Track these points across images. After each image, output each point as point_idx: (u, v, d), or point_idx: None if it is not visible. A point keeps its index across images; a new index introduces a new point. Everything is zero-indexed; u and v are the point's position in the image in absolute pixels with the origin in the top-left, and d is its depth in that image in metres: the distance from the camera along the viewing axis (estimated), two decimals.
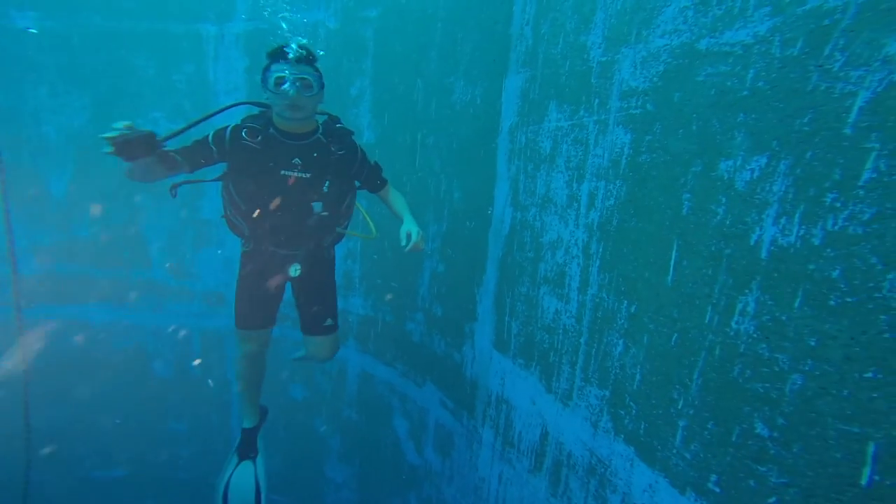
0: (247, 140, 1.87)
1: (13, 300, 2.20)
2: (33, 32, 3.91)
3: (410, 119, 2.95)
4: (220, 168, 2.00)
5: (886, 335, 0.81)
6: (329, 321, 2.22)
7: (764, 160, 1.03)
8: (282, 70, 1.79)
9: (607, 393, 1.61)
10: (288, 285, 2.19)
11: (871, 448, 0.84)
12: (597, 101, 1.67)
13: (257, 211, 1.91)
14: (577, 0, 1.82)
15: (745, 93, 1.11)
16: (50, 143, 4.15)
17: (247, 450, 2.32)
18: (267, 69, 1.83)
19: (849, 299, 0.86)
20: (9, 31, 3.99)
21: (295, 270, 2.04)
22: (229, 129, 1.91)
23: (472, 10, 2.57)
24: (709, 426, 1.22)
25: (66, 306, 4.26)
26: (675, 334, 1.32)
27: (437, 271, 2.83)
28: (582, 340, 1.73)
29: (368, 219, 2.35)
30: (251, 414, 2.33)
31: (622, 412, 1.54)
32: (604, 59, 1.65)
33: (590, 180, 1.65)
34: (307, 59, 1.84)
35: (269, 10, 3.94)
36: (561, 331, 1.83)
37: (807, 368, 0.96)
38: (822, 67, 0.92)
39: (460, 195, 2.52)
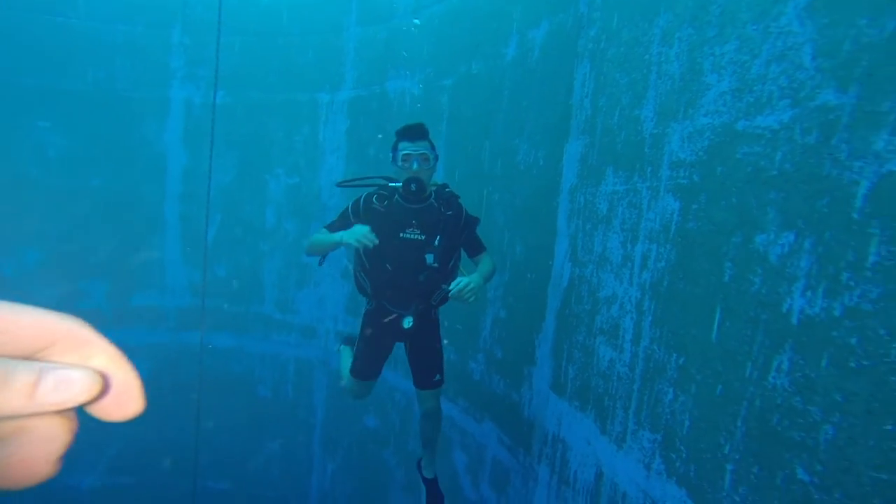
0: (376, 205, 2.27)
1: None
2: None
3: (478, 176, 3.27)
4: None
5: None
6: (437, 377, 2.50)
7: (792, 237, 1.20)
8: (409, 148, 2.20)
9: (659, 437, 1.73)
10: (401, 346, 2.51)
11: None
12: (649, 169, 1.88)
13: (381, 268, 2.27)
14: (632, 78, 2.07)
15: (774, 172, 1.29)
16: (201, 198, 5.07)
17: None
18: (395, 146, 2.26)
19: (865, 362, 1.00)
20: (205, 106, 4.88)
21: (408, 322, 2.33)
22: (363, 198, 2.33)
23: (536, 81, 2.89)
24: (754, 470, 1.33)
25: (198, 332, 4.99)
26: (720, 385, 1.45)
27: (498, 317, 3.05)
28: (635, 387, 1.87)
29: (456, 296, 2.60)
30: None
31: (673, 455, 1.65)
32: (655, 131, 1.87)
33: (643, 242, 1.85)
34: (426, 136, 2.25)
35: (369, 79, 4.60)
36: (615, 378, 1.98)
37: (836, 420, 1.09)
38: (833, 156, 1.10)
39: (522, 249, 2.76)
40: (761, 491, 1.29)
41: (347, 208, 2.34)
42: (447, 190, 2.35)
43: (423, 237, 2.25)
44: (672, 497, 1.65)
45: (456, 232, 2.31)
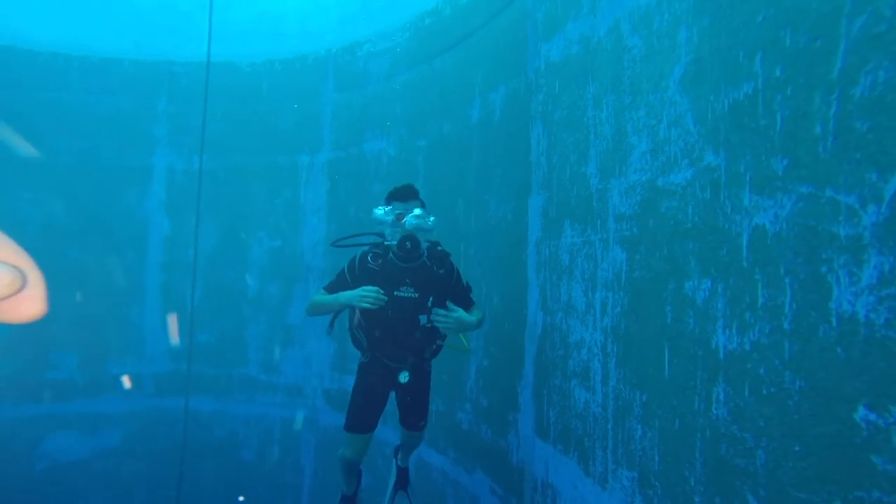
0: (371, 264, 2.40)
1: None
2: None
3: (454, 232, 3.51)
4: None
5: (795, 416, 1.13)
6: (423, 422, 2.65)
7: (709, 283, 1.42)
8: (401, 207, 2.37)
9: (636, 474, 1.88)
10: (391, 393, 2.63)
11: None
12: (598, 221, 2.12)
13: (377, 324, 2.40)
14: (576, 138, 2.35)
15: (689, 225, 1.53)
16: (187, 265, 5.22)
17: None
18: (388, 205, 2.43)
19: (772, 389, 1.19)
20: (187, 172, 5.09)
21: (404, 377, 2.44)
22: (357, 258, 2.46)
23: (500, 140, 3.19)
24: (717, 501, 1.49)
25: (180, 398, 5.04)
26: (677, 419, 1.63)
27: (482, 365, 3.21)
28: (609, 427, 2.04)
29: (462, 336, 2.76)
30: (347, 484, 2.76)
31: (650, 492, 1.80)
32: (600, 186, 2.13)
33: (601, 290, 2.06)
34: (416, 196, 2.45)
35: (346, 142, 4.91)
36: (591, 418, 2.14)
37: (764, 445, 1.27)
38: (723, 210, 1.35)
39: (498, 299, 2.97)
40: None
41: (344, 269, 2.47)
42: (439, 248, 2.49)
43: (417, 295, 2.38)
44: None
45: (447, 290, 2.44)
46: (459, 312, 2.36)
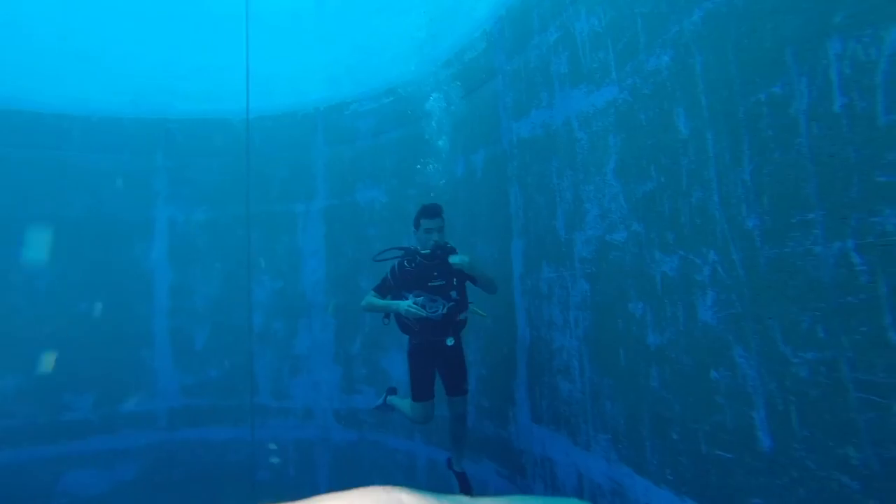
0: (407, 267, 3.30)
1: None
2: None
3: None
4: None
5: (688, 381, 2.05)
6: (466, 384, 3.49)
7: (641, 304, 2.34)
8: (429, 223, 3.26)
9: (609, 436, 2.77)
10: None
11: (705, 428, 2.03)
12: (567, 262, 3.04)
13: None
14: (546, 199, 3.27)
15: (628, 268, 2.46)
16: (196, 309, 5.67)
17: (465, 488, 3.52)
18: (418, 221, 3.33)
19: (676, 366, 2.11)
20: (188, 223, 5.67)
21: (450, 341, 3.30)
22: (396, 265, 3.36)
23: (483, 194, 4.09)
24: (656, 442, 2.39)
25: (198, 428, 5.51)
26: (631, 393, 2.53)
27: (481, 374, 4.06)
28: (588, 406, 2.92)
29: (479, 309, 3.58)
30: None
31: (620, 446, 2.68)
32: (567, 237, 3.05)
33: (573, 311, 2.97)
34: (440, 214, 3.31)
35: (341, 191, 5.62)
36: (574, 402, 3.03)
37: (679, 400, 2.18)
38: (646, 258, 2.27)
39: (492, 321, 3.83)
40: (665, 454, 2.34)
41: (387, 275, 3.36)
42: (450, 247, 3.37)
43: (444, 282, 3.28)
44: (624, 474, 2.67)
45: (460, 273, 3.32)
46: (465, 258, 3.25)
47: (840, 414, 1.27)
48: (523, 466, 3.56)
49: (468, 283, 3.40)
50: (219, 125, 5.85)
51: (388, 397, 3.86)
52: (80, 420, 5.35)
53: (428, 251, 3.27)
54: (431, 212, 3.34)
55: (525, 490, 3.54)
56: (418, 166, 4.86)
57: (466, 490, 3.47)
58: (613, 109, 2.63)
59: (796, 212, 1.43)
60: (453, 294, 3.31)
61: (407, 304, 3.17)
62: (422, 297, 3.23)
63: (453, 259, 3.22)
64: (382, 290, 3.36)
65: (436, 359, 3.39)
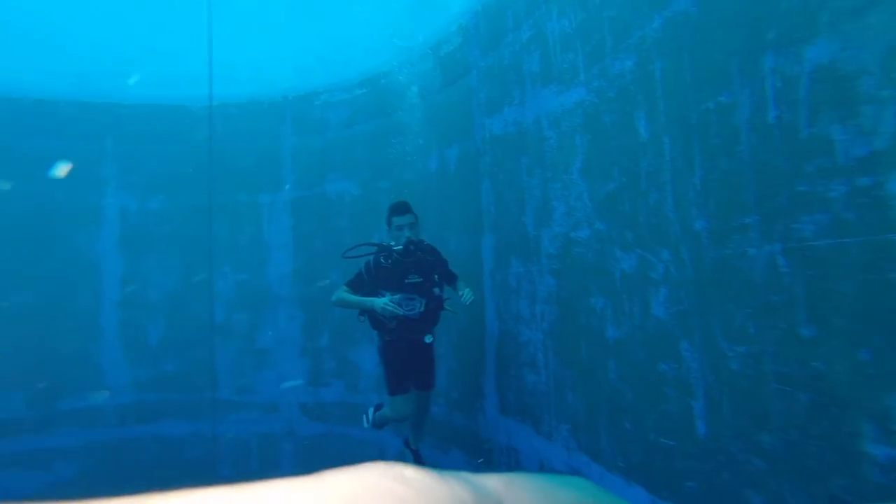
0: (383, 263, 3.31)
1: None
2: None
3: None
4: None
5: (641, 371, 2.18)
6: (434, 379, 3.58)
7: (602, 300, 2.46)
8: (400, 220, 3.29)
9: (570, 426, 2.90)
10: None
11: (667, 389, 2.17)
12: (535, 257, 3.15)
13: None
14: (515, 196, 3.37)
15: (590, 265, 2.57)
16: (152, 301, 5.55)
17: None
18: (389, 218, 3.35)
19: (632, 358, 2.24)
20: (142, 212, 5.52)
21: (429, 338, 3.38)
22: (371, 261, 3.37)
23: (456, 189, 4.17)
24: (612, 430, 2.52)
25: (152, 424, 5.41)
26: (591, 384, 2.66)
27: (451, 367, 4.16)
28: (551, 397, 3.05)
29: (448, 307, 3.63)
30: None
31: (579, 435, 2.82)
32: (535, 233, 3.15)
33: (539, 304, 3.08)
34: (410, 210, 3.34)
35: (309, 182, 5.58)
36: (540, 393, 3.15)
37: (630, 390, 2.31)
38: (607, 255, 2.39)
39: (463, 314, 3.92)
40: (618, 443, 2.48)
41: (361, 271, 3.37)
42: (425, 243, 3.44)
43: (422, 279, 3.32)
44: (583, 462, 2.81)
45: (439, 270, 3.41)
46: (468, 292, 3.29)
47: (760, 403, 1.40)
48: (490, 456, 3.68)
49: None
50: (176, 111, 5.63)
51: (375, 414, 3.83)
52: (10, 419, 5.04)
53: (401, 248, 3.31)
54: (400, 209, 3.38)
55: None
56: (392, 159, 4.90)
57: (421, 463, 3.60)
58: (581, 110, 2.73)
59: (737, 216, 1.55)
60: (436, 290, 3.37)
61: (384, 302, 3.19)
62: (398, 296, 3.25)
63: (466, 298, 3.26)
64: (355, 285, 3.38)
65: (411, 356, 3.46)
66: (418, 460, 3.64)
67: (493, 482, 0.50)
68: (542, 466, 3.15)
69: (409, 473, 0.41)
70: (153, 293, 5.57)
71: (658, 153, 2.05)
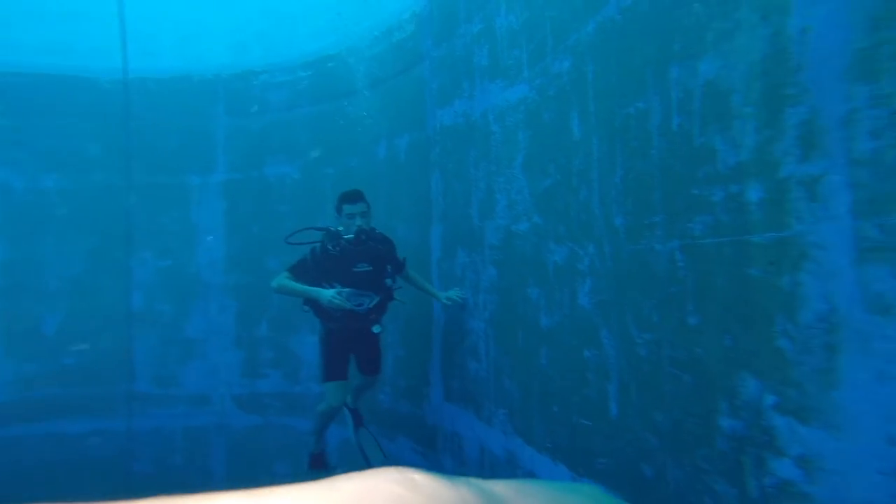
0: (330, 250, 3.29)
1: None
2: None
3: None
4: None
5: (567, 355, 2.35)
6: (380, 364, 3.65)
7: (537, 290, 2.62)
8: (351, 209, 3.29)
9: (507, 411, 3.07)
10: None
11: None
12: (479, 248, 3.28)
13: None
14: (463, 187, 3.49)
15: (528, 256, 2.72)
16: (47, 289, 5.13)
17: (318, 465, 3.61)
18: (340, 206, 3.35)
19: (563, 345, 2.41)
20: (33, 191, 5.18)
21: (377, 328, 3.42)
22: (318, 247, 3.35)
23: (405, 178, 4.24)
24: (543, 413, 2.70)
25: (44, 423, 4.99)
26: (525, 371, 2.83)
27: (398, 355, 4.27)
28: (491, 384, 3.21)
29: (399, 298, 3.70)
30: (317, 442, 3.70)
31: (515, 419, 2.99)
32: (479, 224, 3.28)
33: (482, 294, 3.22)
34: (363, 198, 3.34)
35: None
36: (481, 380, 3.31)
37: (558, 376, 2.48)
38: (543, 247, 2.54)
39: (411, 303, 4.03)
40: (547, 425, 2.66)
41: (306, 256, 3.34)
42: (377, 232, 3.48)
43: (371, 268, 3.35)
44: (517, 445, 2.98)
45: (391, 260, 3.46)
46: (443, 293, 3.44)
47: (657, 385, 1.57)
48: (435, 443, 3.83)
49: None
50: (78, 83, 5.16)
51: (314, 440, 3.81)
52: None
53: (352, 236, 3.31)
54: (352, 197, 3.39)
55: (435, 464, 3.82)
56: (338, 145, 4.89)
57: (359, 423, 3.71)
58: (524, 107, 2.85)
59: (647, 214, 1.71)
60: (387, 281, 3.41)
61: (331, 295, 3.17)
62: (347, 290, 3.23)
63: (447, 294, 3.38)
64: (299, 272, 3.35)
65: (354, 343, 3.51)
66: (357, 419, 3.71)
67: (502, 488, 0.52)
68: (482, 451, 3.32)
69: (420, 479, 0.42)
70: (50, 280, 5.10)
71: (588, 152, 2.20)
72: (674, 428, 1.47)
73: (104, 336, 5.12)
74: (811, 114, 1.05)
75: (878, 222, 0.91)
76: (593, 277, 2.12)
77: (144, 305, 5.20)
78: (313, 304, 3.41)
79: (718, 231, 1.30)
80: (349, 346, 3.51)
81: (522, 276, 2.79)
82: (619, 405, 1.82)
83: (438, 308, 3.73)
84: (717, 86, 1.31)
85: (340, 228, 3.36)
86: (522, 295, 2.79)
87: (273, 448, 5.03)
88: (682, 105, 1.47)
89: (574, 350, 2.29)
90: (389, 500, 0.39)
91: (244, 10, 5.28)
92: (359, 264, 3.34)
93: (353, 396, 3.76)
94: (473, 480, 0.47)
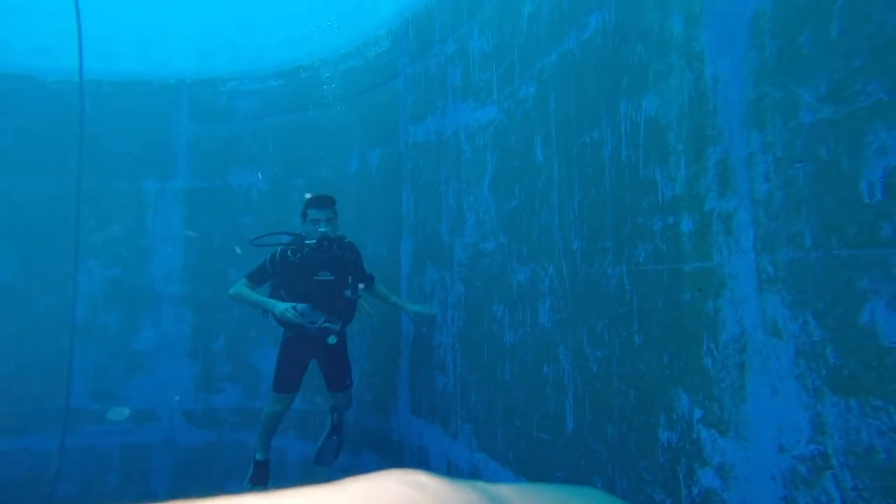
0: (290, 258, 3.27)
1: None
2: None
3: None
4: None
5: (532, 372, 2.47)
6: (349, 380, 3.62)
7: (502, 307, 2.74)
8: (316, 214, 3.29)
9: (473, 425, 3.17)
10: (313, 362, 3.48)
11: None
12: (448, 265, 3.39)
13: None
14: (434, 204, 3.60)
15: (494, 274, 2.85)
16: None
17: (259, 478, 3.53)
18: (305, 211, 3.34)
19: (525, 361, 2.53)
20: None
21: (332, 340, 3.31)
22: (277, 253, 3.32)
23: (377, 192, 4.34)
24: (506, 427, 2.81)
25: None
26: (490, 386, 2.94)
27: (364, 369, 4.33)
28: (458, 398, 3.30)
29: (366, 305, 3.75)
30: (263, 450, 3.58)
31: (480, 433, 3.09)
32: (449, 241, 3.40)
33: (450, 310, 3.33)
34: (331, 205, 3.35)
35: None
36: (448, 395, 3.40)
37: (522, 391, 2.60)
38: (507, 267, 2.67)
39: (378, 318, 4.11)
40: (510, 439, 2.77)
41: (266, 262, 3.33)
42: (346, 240, 3.48)
43: (334, 277, 3.34)
44: (481, 459, 3.08)
45: (356, 271, 3.48)
46: (412, 307, 3.50)
47: (608, 400, 1.70)
48: (402, 458, 3.89)
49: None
50: (19, 81, 5.03)
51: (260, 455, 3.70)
52: None
53: (314, 242, 3.30)
54: (320, 202, 3.38)
55: None
56: (308, 156, 4.94)
57: (337, 431, 3.75)
58: (493, 128, 3.00)
59: (600, 239, 1.85)
60: (346, 293, 3.42)
61: (284, 308, 3.15)
62: (303, 305, 3.21)
63: (416, 308, 3.44)
64: (258, 278, 3.34)
65: (315, 353, 3.52)
66: (337, 428, 3.74)
67: (506, 491, 0.53)
68: (448, 465, 3.40)
69: (426, 480, 0.43)
70: None
71: (549, 177, 2.34)
72: (621, 441, 1.60)
73: (31, 349, 4.86)
74: (725, 154, 1.20)
75: (771, 258, 1.05)
76: (553, 297, 2.25)
77: (87, 317, 4.98)
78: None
79: (658, 259, 1.45)
80: (307, 356, 3.50)
81: (489, 294, 2.91)
82: (575, 419, 1.95)
83: (407, 322, 3.82)
84: (657, 122, 1.46)
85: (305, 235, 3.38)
86: (489, 312, 2.91)
87: (225, 465, 4.95)
88: (630, 137, 1.62)
89: (535, 366, 2.41)
90: (398, 502, 0.40)
91: (213, 17, 5.29)
92: (320, 273, 3.33)
93: (337, 413, 3.77)
94: (479, 483, 0.49)
